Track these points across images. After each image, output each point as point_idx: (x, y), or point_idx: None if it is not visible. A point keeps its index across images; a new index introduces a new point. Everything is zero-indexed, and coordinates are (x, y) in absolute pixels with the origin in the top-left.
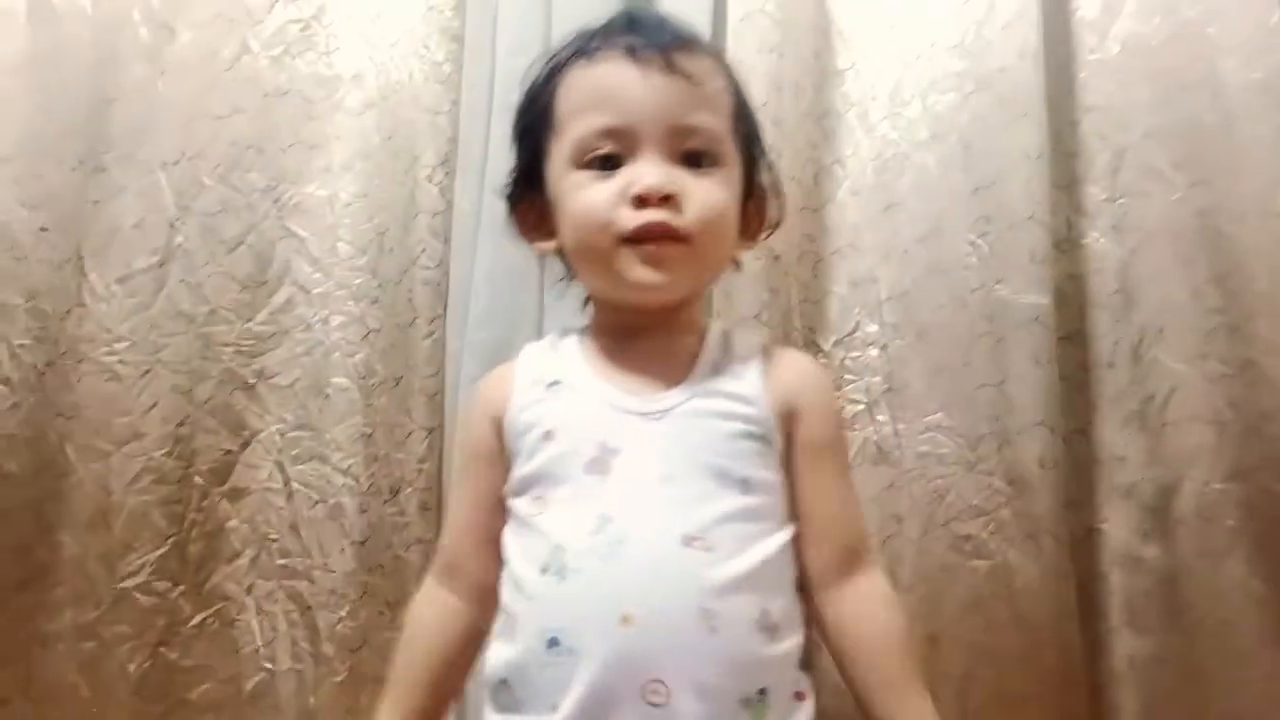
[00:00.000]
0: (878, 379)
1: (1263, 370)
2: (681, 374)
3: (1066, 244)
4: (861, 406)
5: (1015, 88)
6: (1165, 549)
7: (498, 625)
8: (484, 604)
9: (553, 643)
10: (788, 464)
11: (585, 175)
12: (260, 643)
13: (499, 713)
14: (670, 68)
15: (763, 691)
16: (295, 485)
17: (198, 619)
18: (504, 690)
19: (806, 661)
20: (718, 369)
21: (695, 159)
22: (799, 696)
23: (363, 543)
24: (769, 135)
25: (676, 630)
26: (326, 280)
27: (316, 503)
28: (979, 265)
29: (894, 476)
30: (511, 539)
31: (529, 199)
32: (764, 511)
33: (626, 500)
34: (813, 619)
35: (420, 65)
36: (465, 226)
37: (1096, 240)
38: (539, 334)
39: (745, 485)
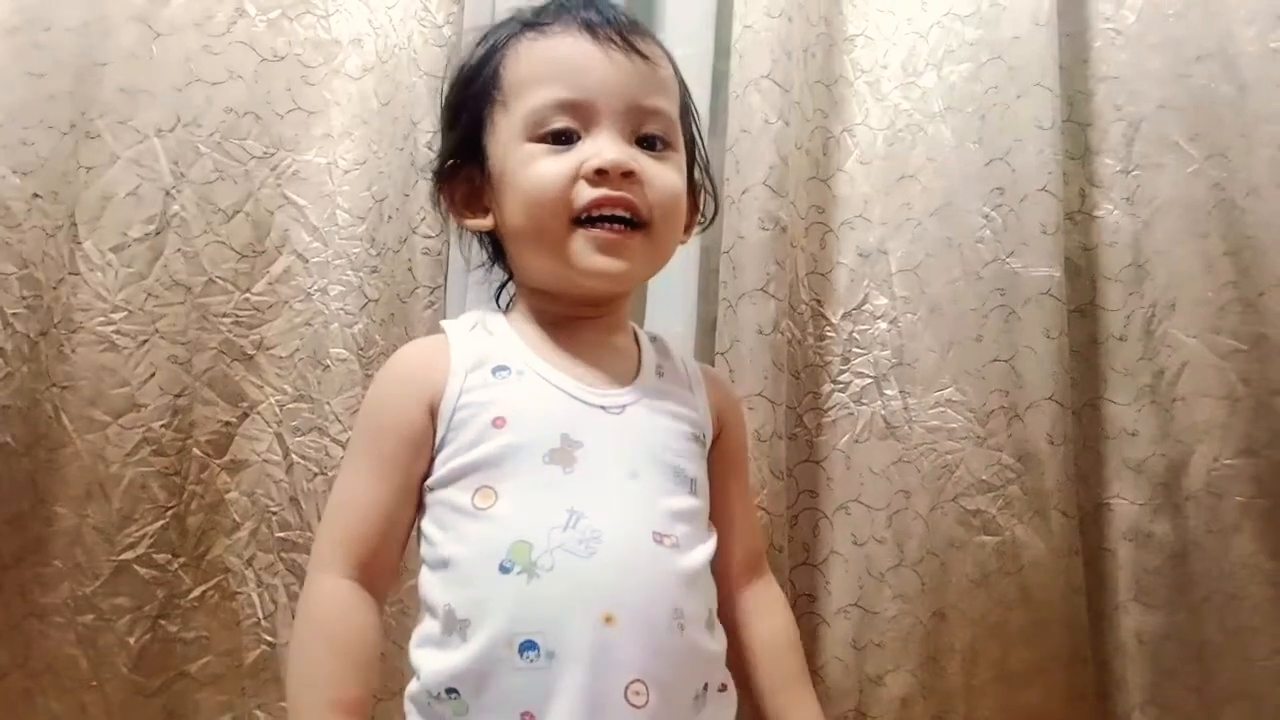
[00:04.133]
0: (886, 353)
1: (1275, 345)
2: (631, 371)
3: (1079, 216)
4: (869, 380)
5: (1028, 56)
6: (1174, 525)
7: (426, 630)
8: (384, 599)
9: (526, 646)
10: (710, 472)
11: (538, 148)
12: (261, 615)
13: None
14: (630, 47)
15: (705, 687)
16: (295, 457)
17: (197, 591)
18: (446, 702)
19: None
20: (661, 371)
21: (650, 142)
22: (723, 688)
23: None
24: (776, 102)
25: (653, 629)
26: (325, 249)
27: (316, 475)
28: (991, 238)
29: (902, 451)
30: (443, 534)
31: (462, 174)
32: (703, 512)
33: (595, 494)
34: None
35: (420, 28)
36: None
37: (1110, 213)
38: None
39: (693, 486)
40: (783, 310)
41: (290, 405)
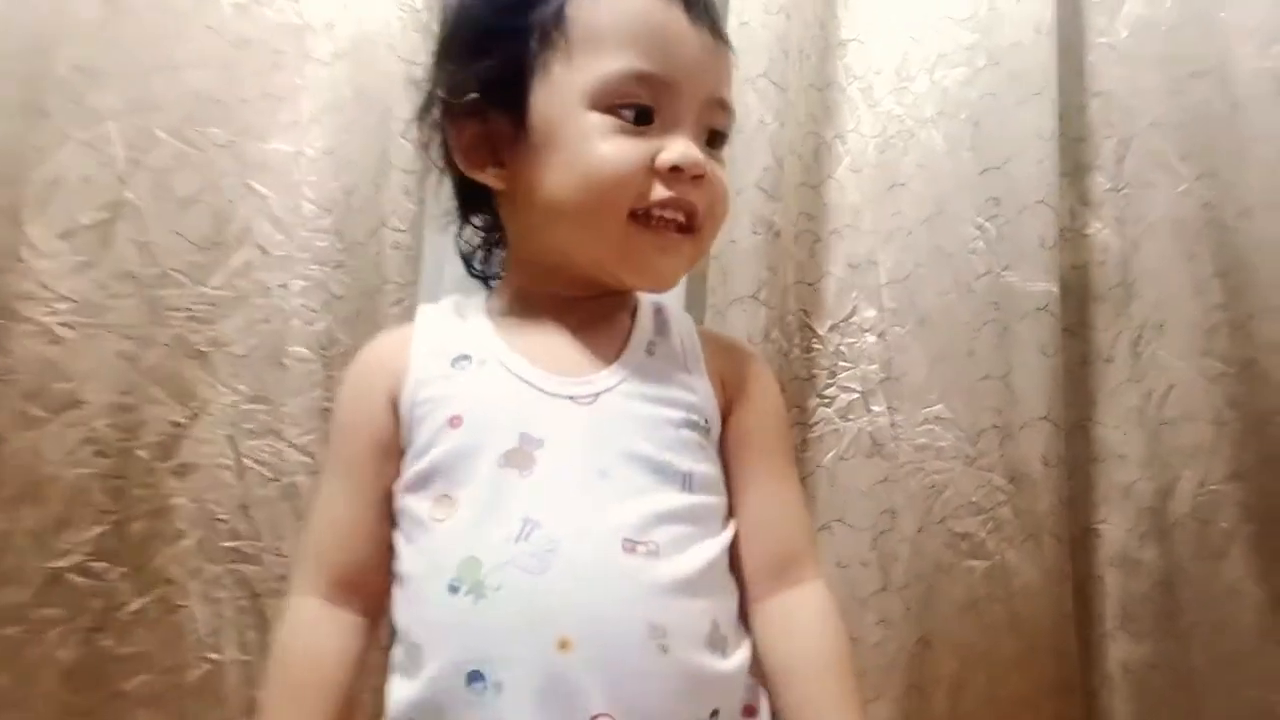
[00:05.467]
0: (874, 367)
1: (1263, 369)
2: (613, 352)
3: (1069, 233)
4: (857, 395)
5: (1028, 64)
6: (1162, 550)
7: (396, 655)
8: (379, 621)
9: (474, 677)
10: (725, 458)
11: (607, 122)
12: (205, 631)
13: None
14: (716, 29)
15: (715, 713)
16: (247, 462)
17: (137, 604)
18: None
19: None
20: (652, 349)
21: (713, 140)
22: (749, 712)
23: None
24: (772, 102)
25: (623, 652)
26: (289, 242)
27: (270, 481)
28: (985, 250)
29: (889, 470)
30: (406, 547)
31: (478, 116)
32: (706, 510)
33: (554, 500)
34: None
35: (399, 13)
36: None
37: (1099, 230)
38: None
39: (686, 480)
40: (773, 319)
41: (245, 406)
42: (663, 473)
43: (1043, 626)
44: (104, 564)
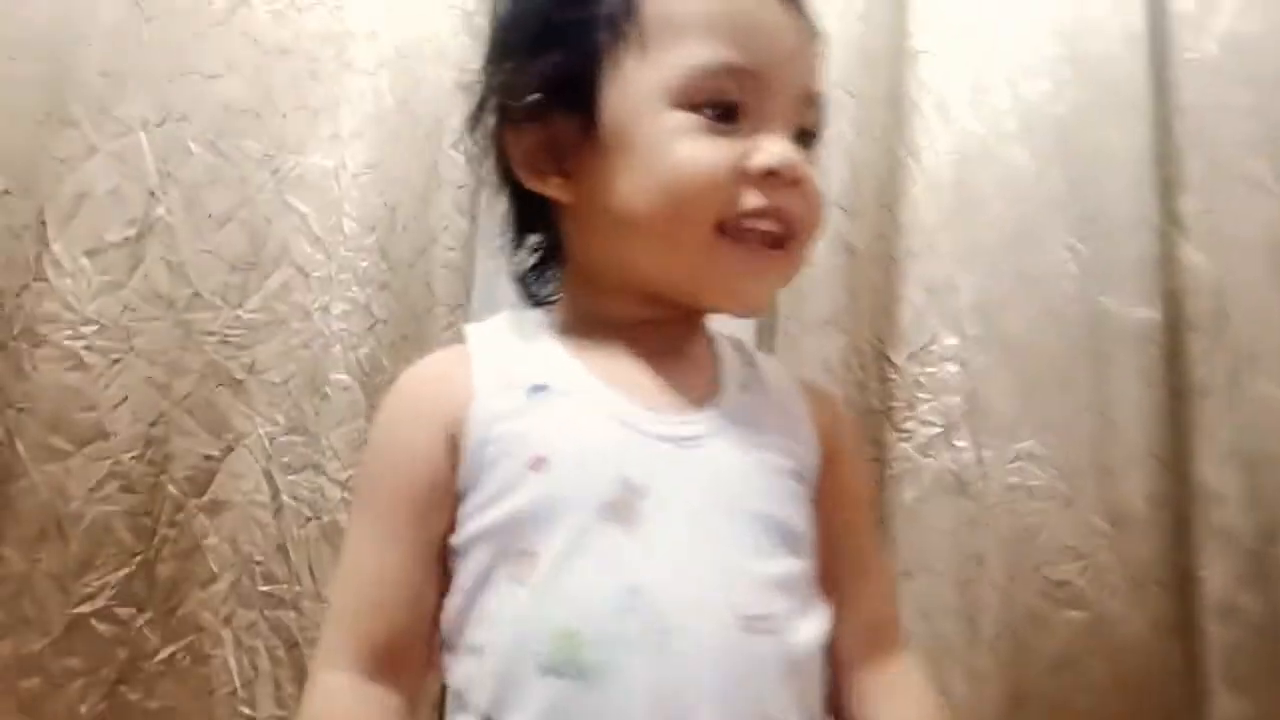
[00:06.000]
0: (957, 399)
1: None
2: (705, 388)
3: (1160, 257)
4: (938, 430)
5: (1120, 76)
6: (1266, 597)
7: None
8: (418, 701)
9: None
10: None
11: (690, 120)
12: (238, 684)
13: None
14: (807, 17)
15: None
16: (285, 498)
17: (165, 653)
18: None
19: None
20: (747, 388)
21: (805, 140)
22: None
23: None
24: (851, 111)
25: None
26: (329, 262)
27: (309, 520)
28: (1079, 273)
29: (975, 511)
30: (472, 613)
31: (542, 119)
32: (808, 577)
33: (663, 564)
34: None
35: (447, 16)
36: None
37: (1191, 254)
38: None
39: (796, 543)
40: (851, 347)
41: (282, 438)
42: (775, 533)
43: (1149, 684)
44: (130, 609)
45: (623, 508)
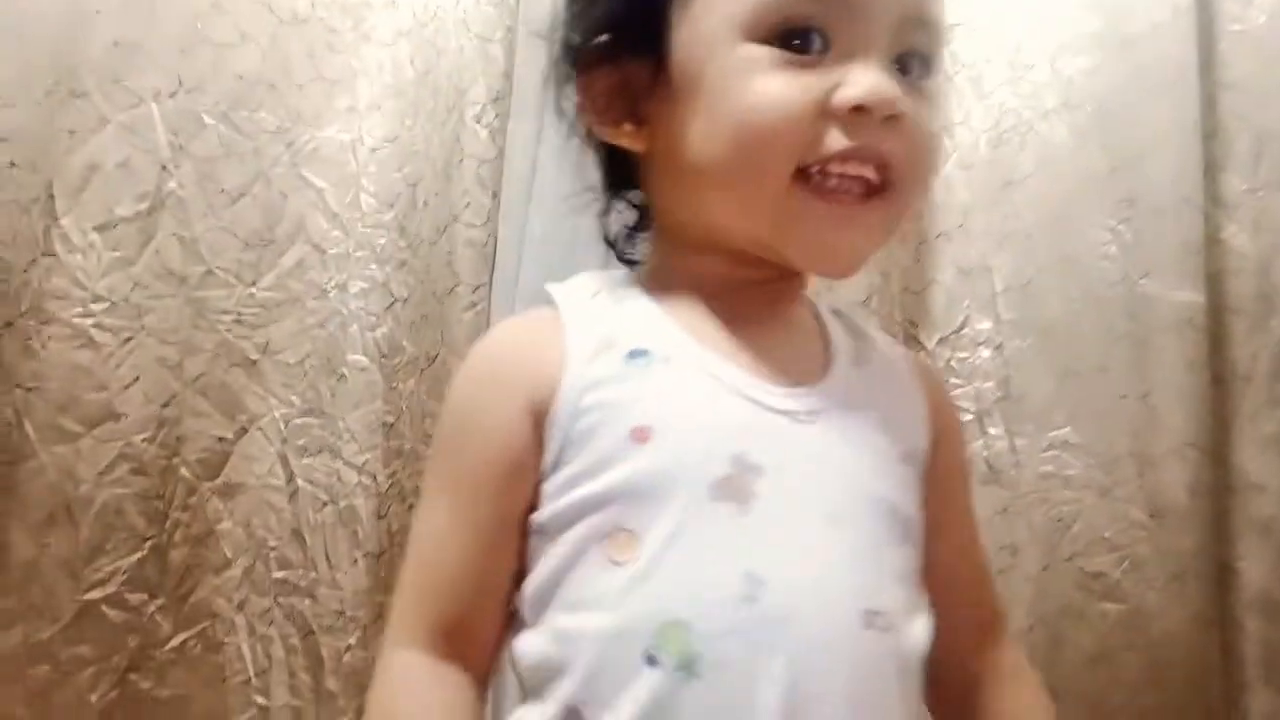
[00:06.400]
0: (990, 384)
1: None
2: (820, 360)
3: (1204, 239)
4: (970, 416)
5: (1164, 51)
6: None
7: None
8: (489, 682)
9: None
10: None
11: (764, 53)
12: (252, 672)
13: None
14: None
15: None
16: (300, 482)
17: (177, 640)
18: None
19: None
20: (860, 361)
21: (906, 65)
22: None
23: (379, 555)
24: None
25: None
26: (346, 239)
27: (325, 504)
28: (1120, 255)
29: (1008, 500)
30: (557, 595)
31: (612, 63)
32: (918, 568)
33: (783, 550)
34: (935, 707)
35: None
36: (518, 178)
37: (1235, 235)
38: None
39: (910, 531)
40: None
41: (298, 420)
42: (893, 519)
43: (1187, 679)
44: (141, 595)
45: (736, 486)
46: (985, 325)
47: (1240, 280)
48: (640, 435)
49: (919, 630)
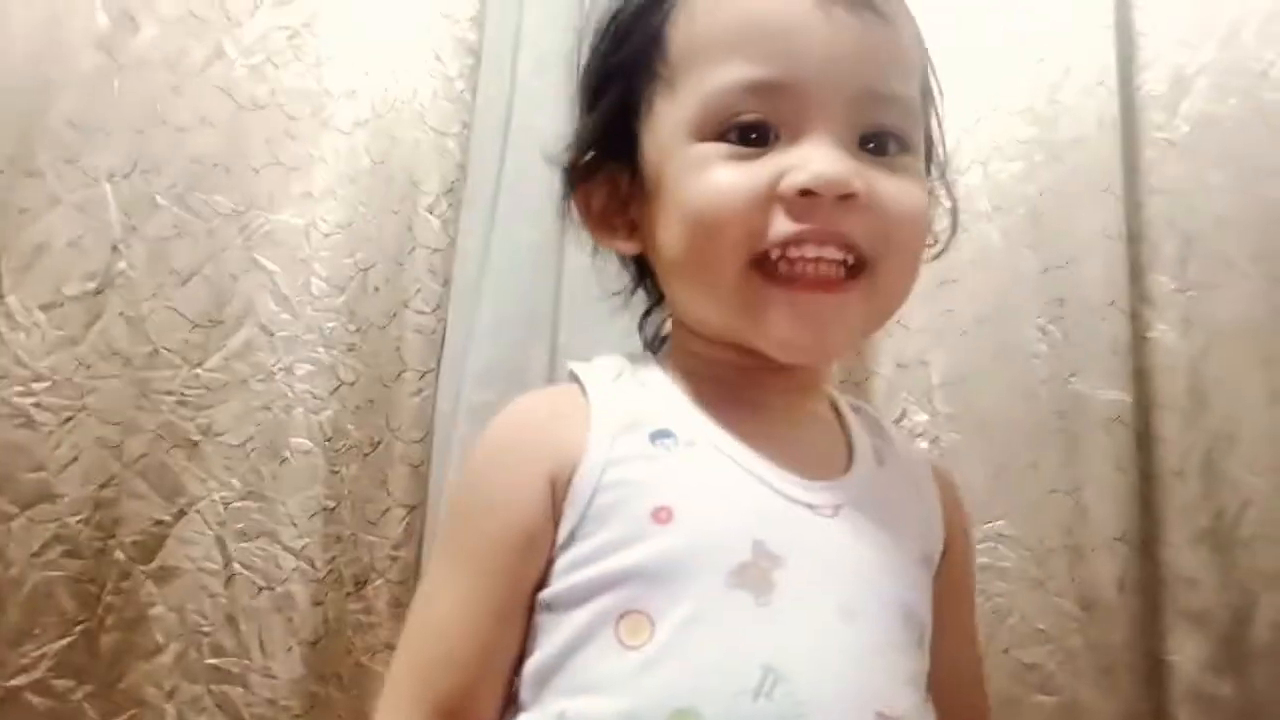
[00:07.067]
0: None
1: None
2: (842, 455)
3: (1133, 337)
4: None
5: (1092, 159)
6: (1238, 685)
7: None
8: None
9: None
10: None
11: (713, 149)
12: None
13: None
14: (865, 8)
15: None
16: (236, 567)
17: None
18: None
19: None
20: (881, 459)
21: (879, 143)
22: None
23: (314, 643)
24: None
25: None
26: (295, 321)
27: (261, 590)
28: (1050, 353)
29: None
30: (562, 676)
31: (603, 174)
32: (926, 673)
33: (800, 644)
34: None
35: (429, 80)
36: (469, 267)
37: (1164, 334)
38: None
39: (924, 636)
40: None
41: (237, 504)
42: (908, 621)
43: None
44: (68, 681)
45: (755, 574)
46: (922, 418)
47: (1171, 377)
48: (662, 516)
49: None
